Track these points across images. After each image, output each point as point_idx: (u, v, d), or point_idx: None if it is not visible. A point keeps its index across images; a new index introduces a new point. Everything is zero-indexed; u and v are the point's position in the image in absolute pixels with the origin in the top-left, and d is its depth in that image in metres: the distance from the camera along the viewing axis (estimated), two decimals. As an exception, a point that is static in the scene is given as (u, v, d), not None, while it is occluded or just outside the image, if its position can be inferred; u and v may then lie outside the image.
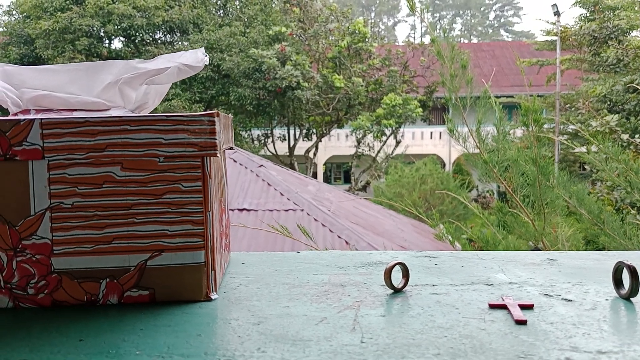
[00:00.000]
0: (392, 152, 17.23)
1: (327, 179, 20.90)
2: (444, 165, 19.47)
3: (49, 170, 0.51)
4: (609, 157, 2.97)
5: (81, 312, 0.51)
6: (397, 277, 0.57)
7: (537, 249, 2.83)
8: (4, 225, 0.51)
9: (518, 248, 2.67)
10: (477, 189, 18.59)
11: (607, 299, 0.53)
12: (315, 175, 18.04)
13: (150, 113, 0.63)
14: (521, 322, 0.47)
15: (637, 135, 8.93)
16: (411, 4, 3.35)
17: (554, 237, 2.73)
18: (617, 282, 0.54)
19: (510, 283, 0.58)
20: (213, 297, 0.54)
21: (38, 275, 0.52)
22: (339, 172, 21.59)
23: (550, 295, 0.54)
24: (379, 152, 17.29)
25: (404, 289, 0.56)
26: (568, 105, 15.39)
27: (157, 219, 0.52)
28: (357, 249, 5.38)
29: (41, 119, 0.50)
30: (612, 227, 2.64)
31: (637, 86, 5.50)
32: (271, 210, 5.49)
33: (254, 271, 0.64)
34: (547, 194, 2.73)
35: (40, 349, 0.43)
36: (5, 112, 0.64)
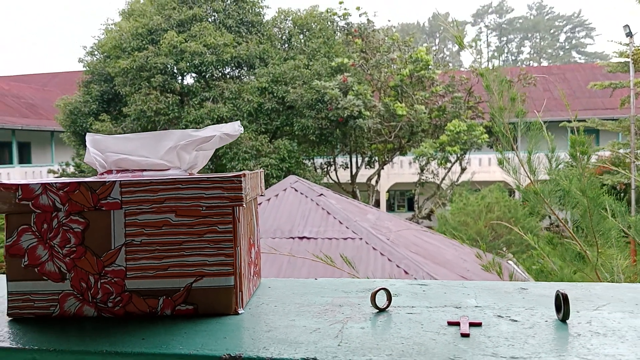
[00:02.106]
0: (458, 179, 17.02)
1: (390, 207, 20.86)
2: (512, 192, 18.99)
3: (125, 217, 0.72)
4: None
5: (144, 320, 0.71)
6: (381, 300, 0.73)
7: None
8: (93, 256, 0.72)
9: (571, 280, 2.68)
10: (550, 218, 17.92)
11: (546, 321, 0.66)
12: (377, 203, 18.07)
13: (197, 172, 0.83)
14: (465, 335, 0.61)
15: None
16: (459, 40, 3.49)
17: (608, 269, 2.71)
18: (558, 307, 0.67)
19: (476, 307, 0.72)
20: (240, 312, 0.72)
21: (115, 293, 0.72)
22: (403, 199, 21.49)
23: (502, 317, 0.68)
24: (443, 179, 17.13)
25: (387, 309, 0.72)
26: (644, 129, 14.68)
27: (200, 253, 0.71)
28: (416, 279, 5.43)
29: (120, 180, 0.71)
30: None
31: None
32: (330, 239, 5.66)
33: (276, 294, 0.82)
34: (600, 224, 2.74)
35: (115, 344, 0.63)
36: (94, 171, 0.86)
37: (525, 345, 0.58)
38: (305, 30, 17.21)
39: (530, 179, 2.92)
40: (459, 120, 15.88)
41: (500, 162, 3.11)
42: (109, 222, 0.72)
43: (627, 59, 15.91)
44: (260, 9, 17.13)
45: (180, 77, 16.31)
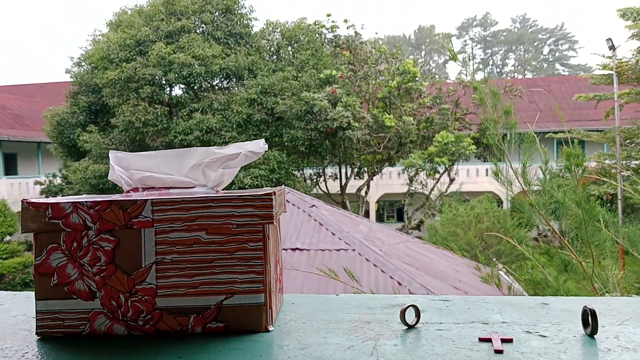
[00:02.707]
0: (446, 190, 17.13)
1: (379, 217, 20.90)
2: (501, 203, 19.13)
3: (156, 235, 0.72)
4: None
5: (175, 338, 0.71)
6: (410, 316, 0.74)
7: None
8: (123, 275, 0.72)
9: (568, 291, 2.70)
10: (538, 228, 18.11)
11: (574, 336, 0.67)
12: (367, 214, 18.10)
13: (223, 189, 0.84)
14: (499, 352, 0.62)
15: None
16: (453, 54, 3.53)
17: (604, 280, 2.74)
18: (585, 323, 0.69)
19: (503, 322, 0.74)
20: (270, 329, 0.72)
21: (146, 311, 0.72)
22: (392, 210, 21.56)
23: (530, 332, 0.69)
24: (432, 189, 17.24)
25: (416, 326, 0.73)
26: (628, 140, 14.94)
27: (231, 270, 0.72)
28: (409, 290, 5.44)
29: (152, 199, 0.71)
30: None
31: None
32: (323, 250, 5.66)
33: (301, 310, 0.82)
34: (595, 236, 2.77)
35: (152, 363, 0.63)
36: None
37: (559, 360, 0.60)
38: (293, 42, 17.30)
39: (525, 191, 2.96)
40: (447, 131, 16.03)
41: (495, 174, 3.14)
42: (139, 240, 0.72)
43: (610, 72, 16.19)
44: (249, 21, 17.19)
45: (168, 88, 16.27)
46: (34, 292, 0.94)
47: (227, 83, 16.85)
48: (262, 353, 0.64)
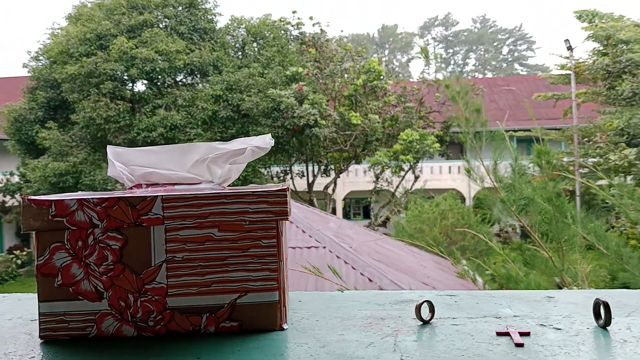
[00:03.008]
0: (411, 187, 17.35)
1: (346, 215, 21.00)
2: (464, 199, 19.52)
3: (166, 233, 0.70)
4: (623, 194, 3.09)
5: (188, 339, 0.69)
6: (425, 312, 0.74)
7: (559, 287, 2.92)
8: (132, 274, 0.69)
9: (539, 285, 2.77)
10: (499, 224, 18.55)
11: (588, 328, 0.69)
12: (334, 211, 18.16)
13: (229, 185, 0.82)
14: (519, 345, 0.63)
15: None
16: (425, 52, 3.56)
17: (573, 274, 2.82)
18: (596, 315, 0.70)
19: (514, 316, 0.74)
20: (285, 327, 0.71)
21: (156, 311, 0.70)
22: (358, 207, 21.70)
23: (544, 325, 0.70)
24: (397, 187, 17.42)
25: (430, 321, 0.73)
26: (586, 138, 15.45)
27: (244, 268, 0.70)
28: (380, 287, 5.48)
29: (162, 195, 0.69)
30: (632, 263, 2.73)
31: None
32: (294, 248, 5.65)
33: (310, 307, 0.81)
34: (564, 231, 2.85)
35: (170, 364, 0.61)
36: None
37: (580, 352, 0.60)
38: (259, 38, 17.18)
39: (497, 188, 3.01)
40: (411, 129, 16.23)
41: (467, 171, 3.19)
42: (148, 238, 0.69)
43: (568, 72, 16.71)
44: (213, 16, 16.98)
45: (131, 84, 15.91)
46: (24, 294, 0.91)
47: (192, 79, 16.60)
48: (282, 352, 0.63)
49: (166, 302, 0.70)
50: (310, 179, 17.56)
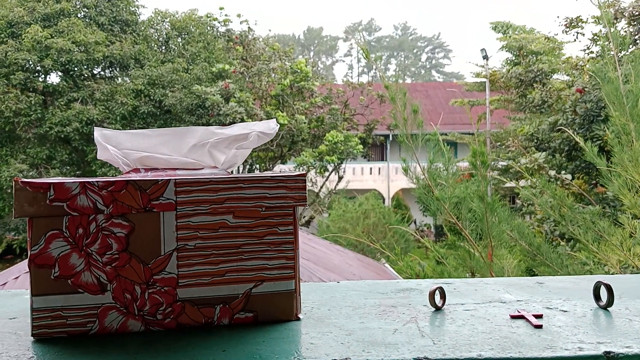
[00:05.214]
0: (335, 188, 17.57)
1: (270, 215, 20.87)
2: (384, 200, 20.06)
3: (177, 219, 0.65)
4: (543, 191, 3.31)
5: (200, 332, 0.64)
6: (437, 298, 0.74)
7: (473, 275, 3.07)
8: (139, 264, 0.64)
9: (458, 276, 2.92)
10: (415, 223, 19.29)
11: (591, 310, 0.72)
12: (258, 211, 17.99)
13: (232, 171, 0.78)
14: (538, 327, 0.65)
15: (563, 172, 9.66)
16: (367, 54, 3.62)
17: (499, 268, 2.99)
18: (597, 297, 0.73)
19: (518, 301, 0.76)
20: (300, 317, 0.69)
21: (166, 304, 0.65)
22: (282, 207, 21.62)
23: (551, 309, 0.72)
24: (322, 187, 17.58)
25: (442, 307, 0.73)
26: (498, 143, 16.36)
27: (260, 256, 0.67)
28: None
29: (175, 179, 0.64)
30: (549, 257, 2.93)
31: (563, 127, 6.04)
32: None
33: (314, 297, 0.79)
34: (493, 228, 3.00)
35: (194, 358, 0.57)
36: (117, 170, 0.77)
37: (596, 330, 0.63)
38: (183, 33, 16.70)
39: (432, 186, 3.12)
40: (337, 131, 16.45)
41: (405, 171, 3.28)
42: (157, 225, 0.65)
43: (483, 79, 17.64)
44: (136, 8, 16.31)
45: (44, 75, 14.93)
46: (9, 291, 0.81)
47: (111, 72, 15.84)
48: (312, 340, 0.61)
49: (176, 294, 0.65)
50: (235, 179, 17.31)
